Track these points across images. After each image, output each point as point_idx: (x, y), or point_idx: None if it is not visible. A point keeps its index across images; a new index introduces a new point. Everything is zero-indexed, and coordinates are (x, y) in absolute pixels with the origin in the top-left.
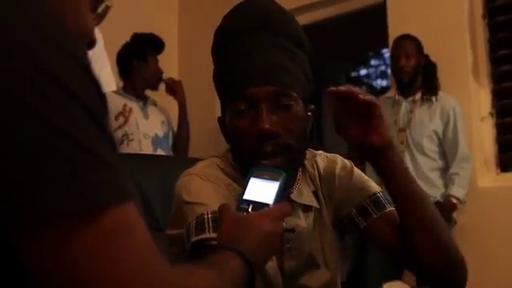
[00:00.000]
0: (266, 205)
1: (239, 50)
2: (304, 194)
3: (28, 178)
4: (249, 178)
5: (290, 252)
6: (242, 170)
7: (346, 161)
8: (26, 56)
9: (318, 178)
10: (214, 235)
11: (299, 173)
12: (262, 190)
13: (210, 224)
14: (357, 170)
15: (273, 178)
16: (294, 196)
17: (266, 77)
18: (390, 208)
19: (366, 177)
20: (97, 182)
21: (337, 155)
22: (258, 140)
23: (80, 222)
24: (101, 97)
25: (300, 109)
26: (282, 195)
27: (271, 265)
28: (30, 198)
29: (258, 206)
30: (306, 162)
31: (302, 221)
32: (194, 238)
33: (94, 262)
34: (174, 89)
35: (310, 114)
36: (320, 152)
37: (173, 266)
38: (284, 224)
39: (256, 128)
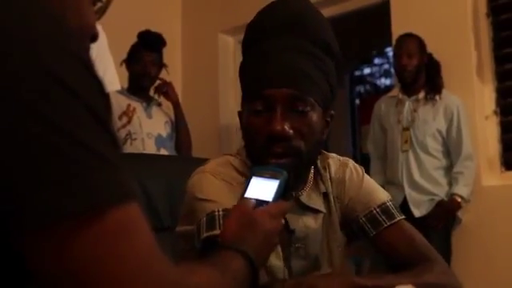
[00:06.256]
0: (266, 202)
1: (262, 50)
2: (313, 197)
3: (30, 178)
4: (250, 177)
5: (297, 252)
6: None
7: (358, 166)
8: (27, 56)
9: (329, 180)
10: None
11: (310, 175)
12: (262, 188)
13: (221, 221)
14: (367, 177)
15: (273, 177)
16: (303, 198)
17: (283, 80)
18: (400, 217)
19: (376, 184)
20: (99, 181)
21: (349, 159)
22: (268, 140)
23: (82, 222)
24: (103, 95)
25: (316, 115)
26: (283, 193)
27: (278, 265)
28: (32, 198)
29: (258, 203)
30: (318, 164)
31: (312, 222)
32: (204, 234)
33: (96, 262)
34: (166, 90)
35: (328, 119)
36: (333, 155)
37: (176, 264)
38: (288, 224)
39: (268, 128)
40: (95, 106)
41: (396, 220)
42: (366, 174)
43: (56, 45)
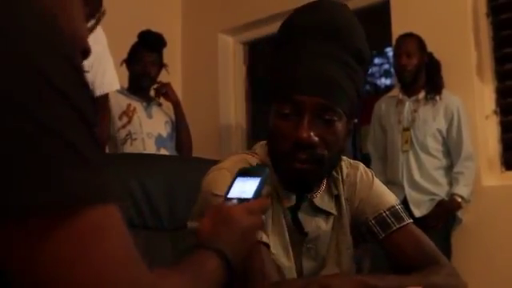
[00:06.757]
0: (247, 200)
1: (295, 52)
2: (325, 200)
3: (4, 171)
4: (234, 178)
5: (308, 252)
6: (273, 168)
7: (368, 169)
8: (17, 55)
9: (341, 183)
10: None
11: (324, 179)
12: (244, 187)
13: None
14: (377, 180)
15: (256, 175)
16: (316, 201)
17: (316, 88)
18: (408, 221)
19: (385, 187)
20: (76, 180)
21: (359, 162)
22: (293, 146)
23: (54, 220)
24: (90, 98)
25: (341, 125)
26: (263, 190)
27: (289, 265)
28: (5, 192)
29: (240, 201)
30: None
31: (323, 224)
32: None
33: (65, 264)
34: (166, 91)
35: (351, 127)
36: (344, 157)
37: (151, 269)
38: (302, 225)
39: (295, 134)
40: (81, 106)
41: (405, 223)
42: (375, 177)
43: (47, 45)
